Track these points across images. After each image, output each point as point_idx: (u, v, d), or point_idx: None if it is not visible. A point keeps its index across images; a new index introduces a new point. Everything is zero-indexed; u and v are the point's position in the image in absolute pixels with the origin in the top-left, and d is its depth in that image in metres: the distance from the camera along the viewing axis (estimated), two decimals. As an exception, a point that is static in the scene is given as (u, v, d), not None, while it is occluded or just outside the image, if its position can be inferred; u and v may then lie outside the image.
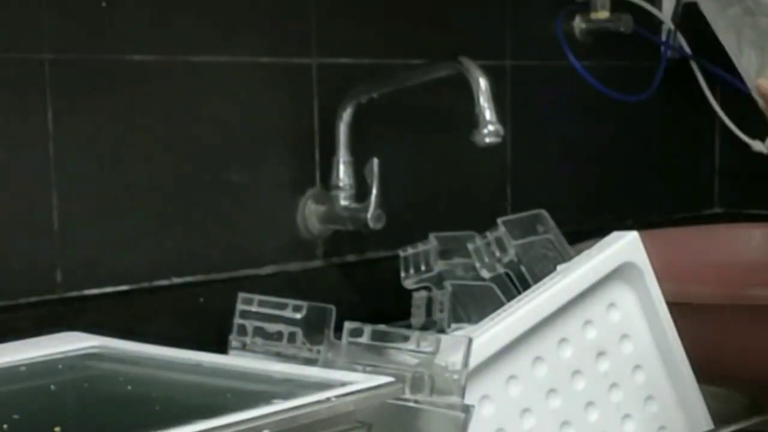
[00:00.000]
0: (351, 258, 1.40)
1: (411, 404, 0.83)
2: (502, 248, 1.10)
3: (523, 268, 1.10)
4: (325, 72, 1.35)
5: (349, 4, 1.38)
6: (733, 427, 1.04)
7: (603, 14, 1.62)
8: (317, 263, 1.36)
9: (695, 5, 1.74)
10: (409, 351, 0.84)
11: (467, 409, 0.83)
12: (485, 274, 1.11)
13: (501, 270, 1.11)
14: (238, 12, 1.28)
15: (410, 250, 1.18)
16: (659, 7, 1.71)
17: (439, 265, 1.16)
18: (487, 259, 1.11)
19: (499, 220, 1.12)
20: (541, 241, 1.11)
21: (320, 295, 1.02)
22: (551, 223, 1.13)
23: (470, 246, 1.13)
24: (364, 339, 0.86)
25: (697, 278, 1.38)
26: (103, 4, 1.17)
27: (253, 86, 1.30)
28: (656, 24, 1.71)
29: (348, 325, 0.87)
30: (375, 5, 1.41)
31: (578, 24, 1.63)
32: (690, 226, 1.59)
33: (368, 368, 0.85)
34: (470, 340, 0.84)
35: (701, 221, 1.76)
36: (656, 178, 1.80)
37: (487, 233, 1.13)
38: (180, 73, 1.24)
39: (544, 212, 1.14)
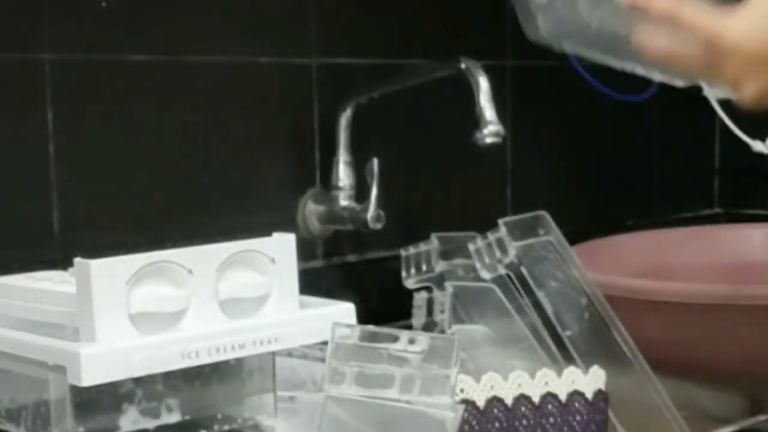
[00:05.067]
0: (351, 258, 1.40)
1: (401, 404, 0.83)
2: (503, 249, 1.10)
3: (523, 270, 1.10)
4: (325, 72, 1.35)
5: (349, 4, 1.38)
6: (733, 427, 1.04)
7: (603, 14, 1.62)
8: (317, 263, 1.36)
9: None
10: (399, 351, 0.85)
11: (456, 409, 0.83)
12: (485, 275, 1.11)
13: (502, 271, 1.10)
14: (238, 12, 1.28)
15: (412, 250, 1.17)
16: (659, 7, 1.71)
17: (440, 266, 1.16)
18: (487, 260, 1.10)
19: (500, 221, 1.11)
20: (541, 243, 1.11)
21: (320, 296, 1.02)
22: (552, 225, 1.13)
23: (471, 246, 1.12)
24: (353, 340, 0.85)
25: (696, 278, 1.39)
26: (103, 4, 1.17)
27: (253, 86, 1.30)
28: (656, 24, 1.71)
29: (336, 326, 0.87)
30: (375, 5, 1.41)
31: (578, 24, 1.63)
32: (690, 226, 1.59)
33: (356, 368, 0.85)
34: (458, 339, 0.84)
35: (701, 221, 1.76)
36: (656, 178, 1.80)
37: (489, 234, 1.13)
38: (180, 73, 1.24)
39: (545, 214, 1.14)
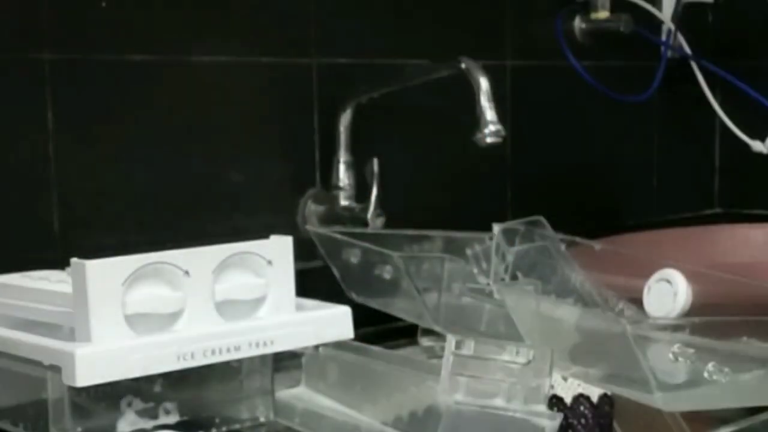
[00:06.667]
0: (351, 258, 1.40)
1: (507, 413, 0.86)
2: (500, 254, 1.10)
3: (520, 275, 1.10)
4: (325, 72, 1.35)
5: (349, 4, 1.38)
6: (733, 427, 1.04)
7: (603, 14, 1.62)
8: (317, 263, 1.36)
9: (695, 5, 1.74)
10: (505, 362, 0.88)
11: (555, 417, 0.87)
12: (482, 279, 1.11)
13: (500, 276, 1.10)
14: (238, 12, 1.28)
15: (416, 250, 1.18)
16: (659, 7, 1.71)
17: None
18: (484, 265, 1.11)
19: (498, 226, 1.11)
20: (538, 248, 1.11)
21: (320, 296, 1.02)
22: (549, 229, 1.13)
23: (468, 251, 1.13)
24: (468, 351, 0.88)
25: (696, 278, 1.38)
26: (103, 4, 1.17)
27: (253, 86, 1.30)
28: (656, 24, 1.71)
29: (452, 338, 0.89)
30: (375, 5, 1.41)
31: (578, 24, 1.63)
32: (690, 226, 1.59)
33: (468, 378, 0.88)
34: (553, 350, 0.87)
35: (701, 221, 1.76)
36: (656, 178, 1.80)
37: (486, 238, 1.13)
38: (180, 73, 1.24)
39: (542, 219, 1.14)
